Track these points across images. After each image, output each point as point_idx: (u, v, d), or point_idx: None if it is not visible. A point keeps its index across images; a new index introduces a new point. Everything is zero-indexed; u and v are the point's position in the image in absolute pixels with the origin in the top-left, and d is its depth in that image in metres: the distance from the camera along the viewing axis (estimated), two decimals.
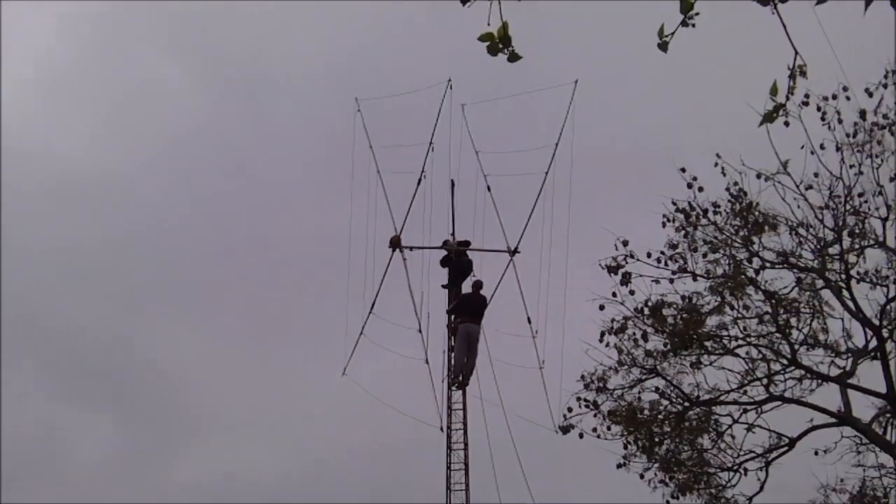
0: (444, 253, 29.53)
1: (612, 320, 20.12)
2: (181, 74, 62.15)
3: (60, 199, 62.72)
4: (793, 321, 19.60)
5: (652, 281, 19.89)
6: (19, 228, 65.28)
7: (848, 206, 18.99)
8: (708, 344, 19.83)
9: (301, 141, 60.73)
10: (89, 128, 64.35)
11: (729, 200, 19.56)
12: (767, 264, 19.60)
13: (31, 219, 64.36)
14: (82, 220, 64.45)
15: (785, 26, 6.50)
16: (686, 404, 20.25)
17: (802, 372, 19.63)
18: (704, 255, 19.73)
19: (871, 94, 18.68)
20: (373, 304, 28.75)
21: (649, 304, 19.88)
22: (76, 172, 63.95)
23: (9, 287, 65.79)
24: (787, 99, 7.27)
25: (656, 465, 20.36)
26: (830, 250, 19.32)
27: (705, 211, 19.68)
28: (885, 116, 18.68)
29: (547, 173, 27.94)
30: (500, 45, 6.52)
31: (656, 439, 20.34)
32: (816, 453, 19.79)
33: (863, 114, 18.72)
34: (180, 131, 62.17)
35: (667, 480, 20.34)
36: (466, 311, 28.61)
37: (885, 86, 18.53)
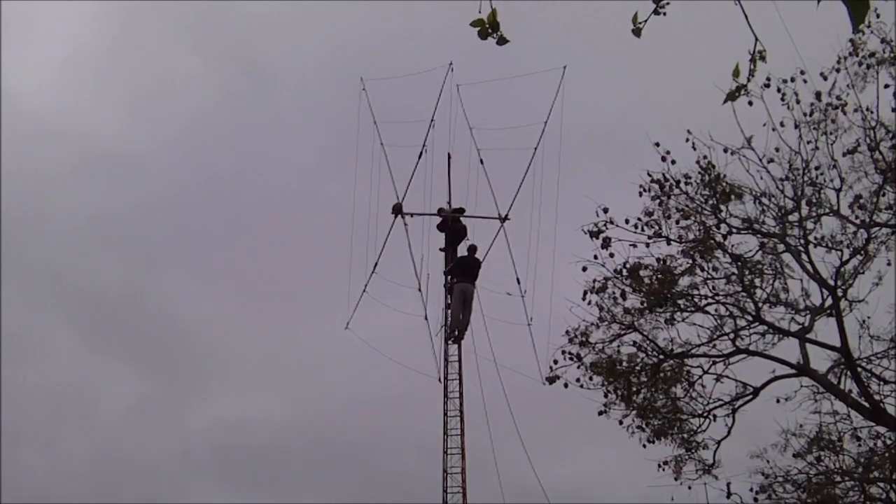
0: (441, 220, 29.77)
1: (594, 281, 20.22)
2: (198, 63, 62.33)
3: (89, 172, 62.98)
4: (757, 281, 19.73)
5: (630, 245, 19.98)
6: (53, 198, 65.58)
7: (806, 178, 19.12)
8: (680, 302, 19.95)
9: (308, 120, 60.87)
10: (116, 110, 64.66)
11: (699, 172, 19.64)
12: (734, 230, 19.70)
13: (63, 190, 64.62)
14: (108, 191, 64.72)
15: (747, 16, 6.64)
16: (661, 357, 20.38)
17: (765, 327, 19.76)
18: (677, 222, 19.81)
19: (825, 78, 18.78)
20: (376, 264, 29.01)
21: (627, 265, 19.98)
22: (104, 149, 64.20)
23: (42, 250, 66.12)
24: (749, 80, 7.48)
25: (634, 412, 20.48)
26: (790, 217, 19.44)
27: (677, 182, 19.76)
28: (838, 98, 18.78)
29: (536, 148, 28.19)
30: (490, 30, 6.65)
31: (634, 389, 20.46)
32: (778, 401, 19.91)
33: (818, 95, 18.81)
34: (197, 112, 62.44)
35: (643, 426, 20.48)
36: (462, 272, 28.89)
37: (838, 70, 18.64)
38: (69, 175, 63.44)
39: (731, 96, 7.73)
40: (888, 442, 18.81)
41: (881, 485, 18.68)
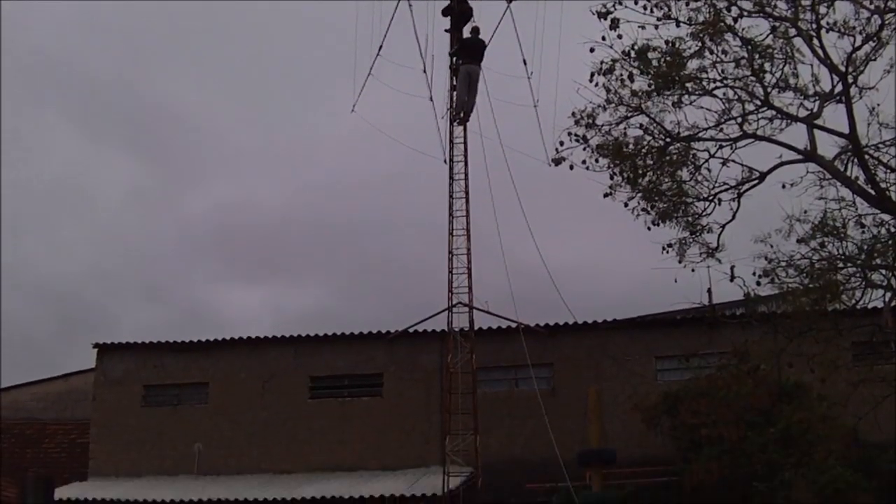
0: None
1: (602, 62, 20.13)
2: None
3: None
4: (766, 66, 19.60)
5: (638, 26, 19.80)
6: None
7: None
8: (688, 85, 19.89)
9: None
10: None
11: None
12: (745, 13, 19.46)
13: None
14: None
15: None
16: (667, 140, 20.42)
17: (774, 112, 19.72)
18: (687, 3, 19.54)
19: None
20: (381, 46, 28.94)
21: (636, 47, 19.89)
22: None
23: (29, 38, 65.70)
24: None
25: (639, 194, 20.63)
26: (803, 1, 19.26)
27: None
28: None
29: None
30: None
31: (640, 171, 20.57)
32: (784, 186, 19.96)
33: None
34: None
35: (648, 209, 20.69)
36: (467, 53, 28.87)
37: None
38: None
39: None
40: (892, 229, 19.03)
41: (882, 271, 18.96)
